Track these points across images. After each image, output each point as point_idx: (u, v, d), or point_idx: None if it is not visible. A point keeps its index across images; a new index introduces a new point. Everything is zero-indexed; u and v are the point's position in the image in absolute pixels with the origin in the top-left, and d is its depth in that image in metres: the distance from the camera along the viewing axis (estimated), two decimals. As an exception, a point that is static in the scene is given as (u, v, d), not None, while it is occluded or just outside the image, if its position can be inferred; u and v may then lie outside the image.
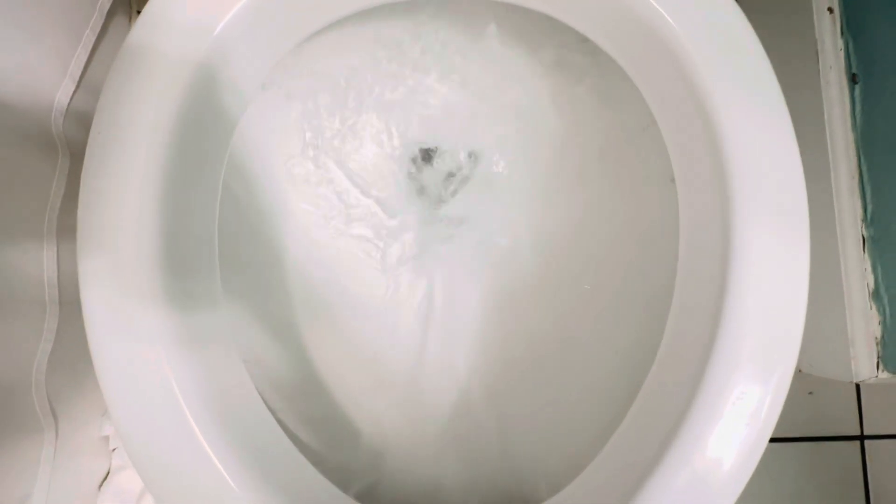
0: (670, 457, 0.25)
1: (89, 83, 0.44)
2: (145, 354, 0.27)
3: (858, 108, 0.44)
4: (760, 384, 0.26)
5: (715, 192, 0.27)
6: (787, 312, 0.26)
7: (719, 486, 0.25)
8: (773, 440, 0.57)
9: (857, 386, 0.59)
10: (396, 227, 0.45)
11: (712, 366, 0.26)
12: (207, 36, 0.27)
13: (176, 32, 0.27)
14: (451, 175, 0.45)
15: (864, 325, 0.43)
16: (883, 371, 0.42)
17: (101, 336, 0.27)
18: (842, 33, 0.44)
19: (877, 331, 0.42)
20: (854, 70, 0.44)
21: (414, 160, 0.45)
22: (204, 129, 0.29)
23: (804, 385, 0.58)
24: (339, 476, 0.31)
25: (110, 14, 0.46)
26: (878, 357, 0.42)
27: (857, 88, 0.44)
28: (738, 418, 0.25)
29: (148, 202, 0.27)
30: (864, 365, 0.43)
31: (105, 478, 0.50)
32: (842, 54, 0.44)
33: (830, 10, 0.45)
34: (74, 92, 0.43)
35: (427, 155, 0.45)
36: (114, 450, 0.50)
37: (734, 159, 0.26)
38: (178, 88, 0.27)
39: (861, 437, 0.58)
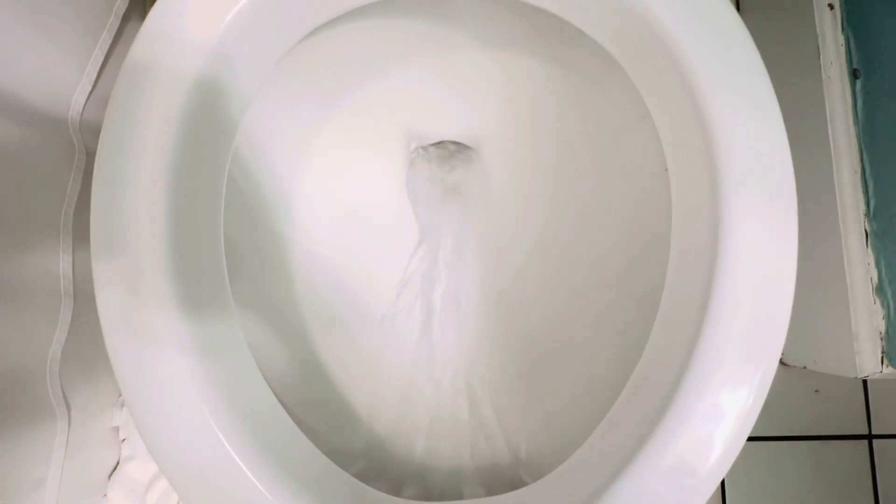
0: (656, 439, 0.26)
1: (105, 83, 0.46)
2: (164, 360, 0.27)
3: (860, 102, 0.44)
4: (747, 371, 0.26)
5: (704, 181, 0.27)
6: (774, 302, 0.26)
7: (704, 468, 0.25)
8: (779, 438, 0.57)
9: (865, 383, 0.58)
10: (398, 229, 0.45)
11: (699, 352, 0.26)
12: (207, 41, 0.28)
13: (177, 40, 0.29)
14: (449, 172, 0.45)
15: (868, 319, 0.43)
16: (887, 366, 0.42)
17: (119, 344, 0.27)
18: (843, 29, 0.44)
19: (881, 325, 0.42)
20: (855, 65, 0.44)
21: (415, 155, 0.46)
22: (207, 132, 0.30)
23: (810, 383, 0.57)
24: (340, 458, 0.32)
25: (126, 17, 0.47)
26: (883, 352, 0.42)
27: (859, 83, 0.44)
28: (722, 405, 0.26)
29: (157, 209, 0.28)
30: (868, 360, 0.43)
31: (115, 468, 0.51)
32: (843, 50, 0.44)
33: (831, 5, 0.45)
34: (91, 92, 0.45)
35: (426, 152, 0.46)
36: (123, 440, 0.51)
37: (723, 148, 0.27)
38: (181, 94, 0.28)
39: (869, 437, 0.57)
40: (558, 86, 0.43)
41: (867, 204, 0.43)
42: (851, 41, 0.44)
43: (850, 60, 0.44)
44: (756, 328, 0.26)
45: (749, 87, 0.27)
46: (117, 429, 0.51)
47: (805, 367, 0.52)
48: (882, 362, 0.42)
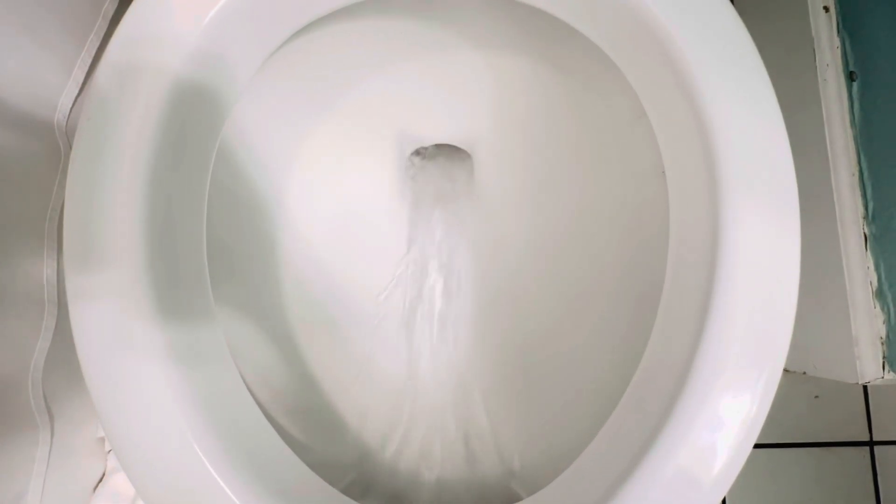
0: (657, 449, 0.25)
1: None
2: (139, 370, 0.26)
3: (857, 105, 0.43)
4: (749, 378, 0.25)
5: (703, 182, 0.27)
6: (777, 304, 0.25)
7: (707, 479, 0.25)
8: (779, 445, 0.56)
9: (865, 389, 0.57)
10: (390, 231, 0.45)
11: (700, 359, 0.25)
12: (189, 38, 0.28)
13: (157, 38, 0.28)
14: (441, 175, 0.45)
15: (868, 324, 0.42)
16: (889, 372, 0.41)
17: (93, 352, 0.27)
18: (838, 31, 0.44)
19: (881, 330, 0.42)
20: (851, 68, 0.44)
21: (408, 159, 0.45)
22: (189, 132, 0.29)
23: (810, 388, 0.57)
24: (328, 471, 0.31)
25: (114, 20, 0.47)
26: (884, 357, 0.41)
27: (855, 86, 0.44)
28: (725, 412, 0.25)
29: (134, 212, 0.27)
30: (869, 365, 0.42)
31: (100, 479, 0.49)
32: (838, 52, 0.44)
33: (826, 8, 0.45)
34: (78, 95, 0.44)
35: (420, 154, 0.45)
36: (109, 451, 0.50)
37: (722, 148, 0.26)
38: (162, 93, 0.27)
39: (870, 443, 0.56)
40: (552, 87, 0.42)
41: (865, 207, 0.43)
42: (847, 43, 0.44)
43: (845, 63, 0.44)
44: (759, 332, 0.25)
45: (748, 85, 0.27)
46: (103, 439, 0.49)
47: (805, 373, 0.51)
48: (883, 368, 0.41)
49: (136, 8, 0.28)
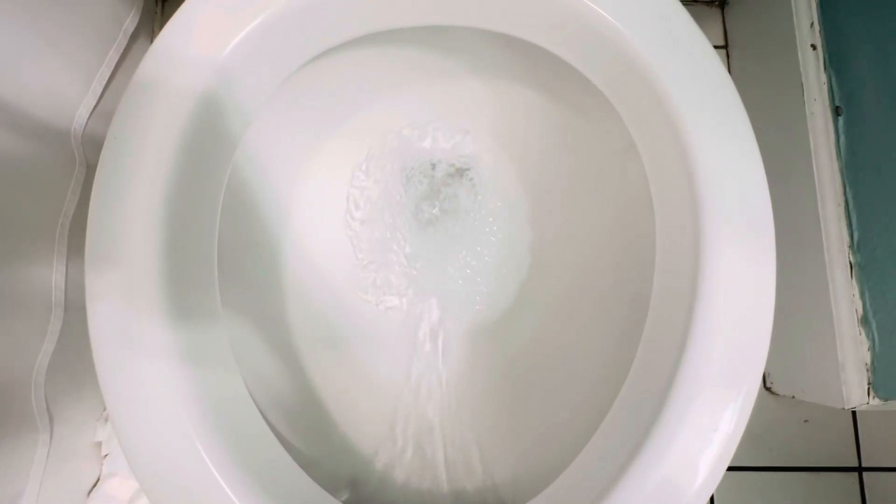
0: (640, 462, 0.26)
1: (110, 99, 0.47)
2: (149, 369, 0.28)
3: (842, 138, 0.45)
4: (728, 395, 0.26)
5: (686, 212, 0.28)
6: (754, 330, 0.27)
7: (688, 491, 0.25)
8: (768, 469, 0.56)
9: (854, 415, 0.58)
10: (389, 246, 0.46)
11: (681, 379, 0.27)
12: (213, 63, 0.30)
13: (183, 60, 0.30)
14: (441, 195, 0.46)
15: (853, 350, 0.43)
16: (874, 398, 0.42)
17: (106, 350, 0.28)
18: (825, 68, 0.46)
19: (866, 357, 0.42)
20: (837, 102, 0.46)
21: (408, 179, 0.47)
22: (207, 149, 0.31)
23: (799, 413, 0.57)
24: (322, 477, 0.32)
25: (133, 36, 0.49)
26: (869, 383, 0.42)
27: (841, 120, 0.45)
28: (705, 429, 0.26)
29: (152, 220, 0.28)
30: (855, 391, 0.43)
31: (95, 484, 0.50)
32: (825, 88, 0.46)
33: (814, 46, 0.47)
34: (95, 106, 0.45)
35: (421, 174, 0.47)
36: (105, 456, 0.50)
37: (704, 182, 0.28)
38: (184, 112, 0.29)
39: (859, 469, 0.57)
40: (550, 115, 0.44)
41: (851, 236, 0.44)
42: (833, 79, 0.46)
43: (832, 98, 0.46)
44: (736, 354, 0.26)
45: (729, 124, 0.28)
46: (100, 444, 0.50)
47: (794, 397, 0.52)
48: (868, 394, 0.42)
49: (169, 29, 0.30)
